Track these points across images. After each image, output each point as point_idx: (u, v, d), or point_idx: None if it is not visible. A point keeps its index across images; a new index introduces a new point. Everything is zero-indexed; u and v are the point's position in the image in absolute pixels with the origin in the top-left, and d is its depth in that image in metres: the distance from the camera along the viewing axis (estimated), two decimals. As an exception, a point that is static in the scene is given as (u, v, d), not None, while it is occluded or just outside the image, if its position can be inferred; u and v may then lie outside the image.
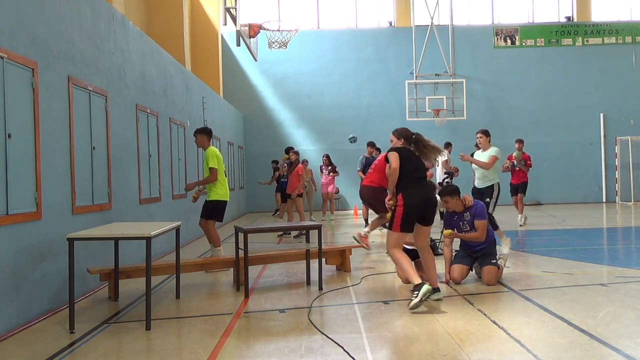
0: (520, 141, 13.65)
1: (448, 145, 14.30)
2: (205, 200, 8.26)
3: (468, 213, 6.79)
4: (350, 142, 15.72)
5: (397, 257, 5.78)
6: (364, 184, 8.95)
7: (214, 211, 8.21)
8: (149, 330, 5.03)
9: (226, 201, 8.29)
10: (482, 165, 8.88)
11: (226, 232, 11.82)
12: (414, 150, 6.11)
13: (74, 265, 5.10)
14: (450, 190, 6.85)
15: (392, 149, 6.02)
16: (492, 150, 8.98)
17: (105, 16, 7.76)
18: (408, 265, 5.69)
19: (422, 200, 5.79)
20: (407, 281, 6.85)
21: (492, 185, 8.91)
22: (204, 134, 8.34)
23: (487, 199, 8.64)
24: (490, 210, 8.59)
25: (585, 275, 7.15)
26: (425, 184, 6.01)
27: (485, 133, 9.17)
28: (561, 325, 4.89)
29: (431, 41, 20.56)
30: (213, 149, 8.22)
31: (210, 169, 8.03)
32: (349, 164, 19.95)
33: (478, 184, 9.12)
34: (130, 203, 8.46)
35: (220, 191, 8.18)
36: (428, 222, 5.94)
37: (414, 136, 6.18)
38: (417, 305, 5.37)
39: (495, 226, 8.42)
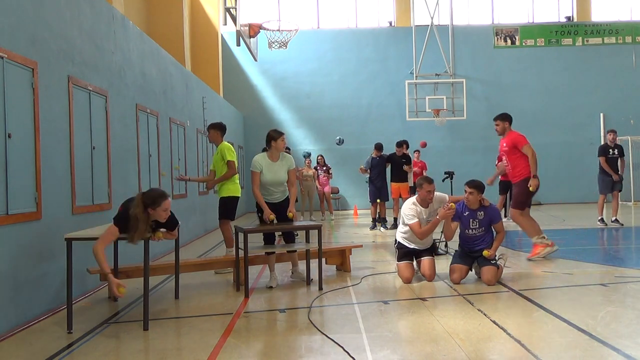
0: None
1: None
2: (219, 198, 8.07)
3: (483, 212, 6.79)
4: (337, 144, 15.36)
5: None
6: None
7: (225, 208, 7.97)
8: (146, 330, 5.03)
9: (238, 197, 8.05)
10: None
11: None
12: None
13: (72, 266, 5.10)
14: (479, 185, 6.83)
15: None
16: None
17: (105, 16, 7.76)
18: None
19: None
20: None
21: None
22: (218, 130, 8.15)
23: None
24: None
25: (585, 275, 7.15)
26: None
27: None
28: (561, 325, 4.89)
29: (431, 41, 20.53)
30: (227, 144, 8.09)
31: (229, 162, 7.85)
32: (348, 164, 19.95)
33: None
34: (130, 203, 8.43)
35: (231, 187, 7.96)
36: None
37: None
38: None
39: None
